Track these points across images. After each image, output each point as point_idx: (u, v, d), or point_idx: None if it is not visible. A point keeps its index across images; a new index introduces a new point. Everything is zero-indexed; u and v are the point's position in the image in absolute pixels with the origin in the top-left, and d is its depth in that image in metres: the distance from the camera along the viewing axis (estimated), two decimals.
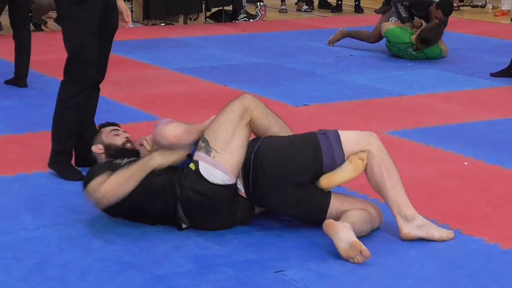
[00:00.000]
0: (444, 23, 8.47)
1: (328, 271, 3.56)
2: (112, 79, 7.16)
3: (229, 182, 3.81)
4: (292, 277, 3.50)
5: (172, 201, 3.85)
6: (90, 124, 4.75)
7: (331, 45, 9.16)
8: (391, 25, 8.48)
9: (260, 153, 3.84)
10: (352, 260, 3.62)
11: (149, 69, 7.76)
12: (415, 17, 8.56)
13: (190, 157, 3.89)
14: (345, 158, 3.82)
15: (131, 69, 7.74)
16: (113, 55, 8.28)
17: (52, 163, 4.67)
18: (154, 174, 3.85)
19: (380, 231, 3.94)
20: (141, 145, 4.10)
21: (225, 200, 3.84)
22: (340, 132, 3.89)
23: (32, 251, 3.71)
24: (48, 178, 4.63)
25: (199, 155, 3.83)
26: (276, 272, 3.54)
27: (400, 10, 8.58)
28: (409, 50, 8.35)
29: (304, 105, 6.41)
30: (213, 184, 3.79)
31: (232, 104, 3.86)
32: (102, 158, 4.15)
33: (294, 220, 4.07)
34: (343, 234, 3.64)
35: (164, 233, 3.90)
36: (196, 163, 3.82)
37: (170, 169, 3.88)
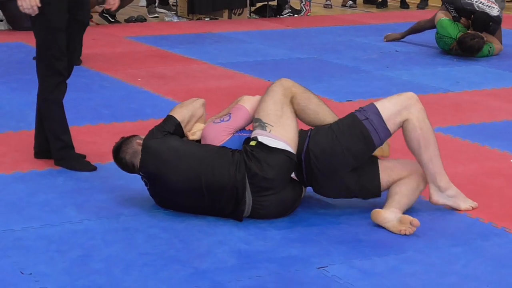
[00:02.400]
0: (497, 22, 8.29)
1: (372, 268, 3.55)
2: (157, 74, 7.23)
3: (290, 149, 3.92)
4: (335, 273, 3.49)
5: (241, 188, 3.89)
6: None
7: (386, 40, 9.10)
8: (444, 16, 8.33)
9: (311, 149, 3.96)
10: (404, 232, 3.84)
11: (193, 64, 7.78)
12: (461, 17, 8.42)
13: (247, 140, 4.00)
14: (391, 132, 4.00)
15: (176, 63, 7.78)
16: (158, 49, 8.54)
17: (58, 161, 4.73)
18: (216, 174, 3.88)
19: (423, 228, 3.92)
20: None
21: (290, 170, 3.95)
22: (378, 107, 4.00)
23: (76, 244, 3.74)
24: (92, 172, 4.66)
25: (256, 132, 3.97)
26: (319, 268, 3.54)
27: (449, 9, 8.48)
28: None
29: (348, 101, 6.38)
30: (275, 148, 3.90)
31: (273, 86, 4.05)
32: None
33: (338, 216, 4.07)
34: (390, 215, 3.90)
35: (207, 227, 3.92)
36: (256, 138, 3.94)
37: (228, 164, 3.90)
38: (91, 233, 3.85)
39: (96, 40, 8.52)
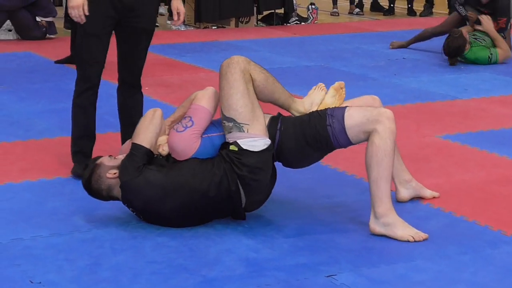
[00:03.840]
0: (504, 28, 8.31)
1: (380, 276, 3.55)
2: (164, 82, 7.24)
3: (269, 143, 3.94)
4: (344, 281, 3.49)
5: (237, 196, 3.91)
6: (129, 125, 4.73)
7: (392, 47, 9.12)
8: (465, 31, 8.21)
9: (282, 144, 3.99)
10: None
11: (200, 72, 7.79)
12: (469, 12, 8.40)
13: (224, 145, 3.95)
14: (353, 142, 3.96)
15: (183, 72, 7.79)
16: (165, 58, 8.55)
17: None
18: (210, 195, 3.89)
19: (432, 236, 3.92)
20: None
21: (272, 160, 3.99)
22: (346, 114, 3.93)
23: (84, 252, 3.75)
24: None
25: (234, 136, 3.92)
26: (327, 276, 3.54)
27: (459, 10, 8.48)
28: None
29: None
30: (259, 151, 3.89)
31: (230, 73, 3.93)
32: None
33: (346, 224, 4.07)
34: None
35: (215, 235, 3.92)
36: (236, 143, 3.90)
37: (213, 168, 3.89)
38: (100, 242, 3.86)
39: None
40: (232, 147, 3.91)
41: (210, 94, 4.07)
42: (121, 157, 4.04)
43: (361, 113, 3.93)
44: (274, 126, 4.02)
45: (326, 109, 4.03)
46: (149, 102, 6.45)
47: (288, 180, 4.53)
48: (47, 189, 4.54)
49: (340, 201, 4.41)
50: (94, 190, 4.01)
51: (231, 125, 3.93)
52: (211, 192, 3.89)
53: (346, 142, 3.96)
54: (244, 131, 3.91)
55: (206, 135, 4.01)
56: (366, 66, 8.17)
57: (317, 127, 3.97)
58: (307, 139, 3.97)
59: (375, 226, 3.92)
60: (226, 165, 3.89)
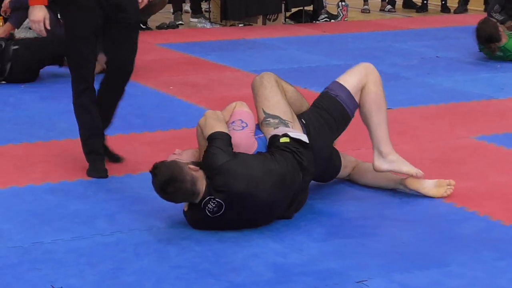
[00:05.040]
0: None
1: (413, 282, 3.51)
2: (189, 82, 7.25)
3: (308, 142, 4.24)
4: (375, 287, 3.47)
5: (300, 189, 4.12)
6: (106, 118, 4.86)
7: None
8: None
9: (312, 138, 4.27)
10: (446, 195, 4.37)
11: (227, 71, 7.80)
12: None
13: (273, 139, 4.16)
14: (357, 102, 4.44)
15: (209, 71, 7.80)
16: (190, 56, 8.57)
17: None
18: (291, 183, 4.06)
19: (466, 240, 3.90)
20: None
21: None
22: (342, 82, 4.44)
23: (107, 256, 3.76)
24: (124, 182, 4.69)
25: (282, 130, 4.18)
26: (358, 282, 3.51)
27: (496, 17, 8.50)
28: (496, 53, 8.18)
29: (388, 109, 6.32)
30: (308, 144, 4.18)
31: (267, 81, 4.34)
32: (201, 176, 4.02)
33: (375, 228, 4.06)
34: (427, 183, 4.42)
35: (241, 239, 3.92)
36: (286, 135, 4.15)
37: (294, 171, 4.06)
38: (123, 246, 3.87)
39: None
40: (283, 139, 4.13)
41: (246, 104, 4.36)
42: (188, 152, 4.22)
43: (351, 74, 4.47)
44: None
45: (320, 94, 4.48)
46: (174, 102, 6.53)
47: (314, 182, 4.54)
48: (68, 191, 4.57)
49: (369, 205, 4.40)
50: (177, 185, 3.89)
51: (276, 121, 4.20)
52: (293, 181, 4.06)
53: (354, 106, 4.42)
54: (289, 127, 4.19)
55: (257, 136, 4.25)
56: (398, 65, 8.13)
57: (330, 107, 4.37)
58: (328, 123, 4.35)
59: (381, 164, 4.44)
60: (290, 156, 4.09)
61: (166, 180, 3.90)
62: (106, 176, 4.73)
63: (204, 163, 4.01)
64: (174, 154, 4.17)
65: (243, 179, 3.93)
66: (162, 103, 6.50)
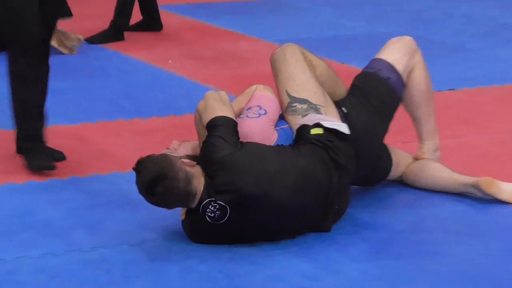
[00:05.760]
0: None
1: None
2: (193, 54, 7.26)
3: (349, 132, 4.26)
4: None
5: (335, 192, 4.11)
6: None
7: None
8: None
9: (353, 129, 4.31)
10: None
11: (242, 41, 7.79)
12: None
13: (303, 130, 4.17)
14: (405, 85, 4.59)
15: (219, 40, 7.81)
16: (195, 21, 8.52)
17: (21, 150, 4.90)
18: (317, 183, 4.07)
19: None
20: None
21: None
22: (390, 61, 4.54)
23: (87, 279, 3.75)
24: (110, 182, 4.70)
25: (312, 118, 4.18)
26: None
27: None
28: None
29: (450, 89, 6.35)
30: (348, 136, 4.20)
31: (291, 55, 4.37)
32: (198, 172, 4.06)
33: (439, 245, 4.06)
34: (506, 186, 4.45)
35: (260, 257, 3.92)
36: (319, 125, 4.16)
37: (324, 168, 4.08)
38: (107, 265, 3.86)
39: (113, 10, 8.53)
40: (315, 131, 4.16)
41: (271, 89, 4.38)
42: (187, 145, 4.20)
43: (397, 52, 4.59)
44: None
45: (364, 73, 4.56)
46: (174, 80, 6.55)
47: (355, 186, 4.55)
48: (38, 194, 4.57)
49: (427, 214, 4.40)
50: (166, 184, 3.91)
51: (305, 106, 4.22)
52: (319, 181, 4.06)
53: (403, 89, 4.56)
54: (322, 113, 4.20)
55: (278, 127, 4.28)
56: (464, 33, 8.12)
57: (380, 91, 4.45)
58: (377, 108, 4.41)
59: (431, 157, 4.65)
60: (321, 151, 4.11)
61: (153, 178, 3.91)
62: (54, 167, 4.79)
63: (202, 157, 4.03)
64: (168, 148, 4.14)
65: (251, 174, 3.96)
66: (158, 82, 6.53)
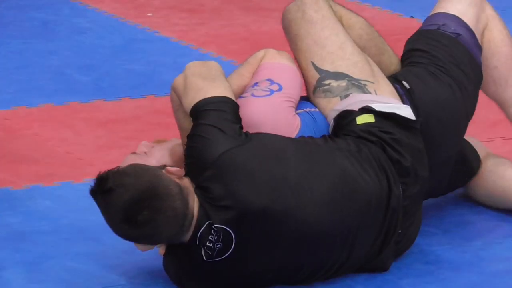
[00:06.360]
0: None
1: None
2: (185, 4, 7.29)
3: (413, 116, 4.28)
4: None
5: (398, 208, 4.09)
6: None
7: None
8: None
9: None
10: None
11: None
12: None
13: (344, 118, 4.17)
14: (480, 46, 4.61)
15: None
16: None
17: None
18: (367, 192, 4.06)
19: None
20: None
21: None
22: (458, 15, 4.54)
23: None
24: (57, 199, 4.69)
25: (356, 99, 4.19)
26: None
27: None
28: None
29: None
30: (413, 122, 4.19)
31: (314, 10, 4.33)
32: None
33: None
34: None
35: None
36: (369, 109, 4.14)
37: (375, 173, 4.08)
38: None
39: None
40: (362, 118, 4.15)
41: (287, 54, 4.36)
42: (163, 148, 4.20)
43: (463, 3, 4.57)
44: None
45: (422, 32, 4.58)
46: (155, 43, 6.59)
47: (435, 201, 4.57)
48: None
49: None
50: (157, 206, 3.86)
51: (344, 84, 4.22)
52: (365, 195, 4.05)
53: (479, 53, 4.54)
54: (370, 92, 4.20)
55: (302, 110, 4.24)
56: None
57: (452, 52, 4.44)
58: (456, 81, 4.39)
59: None
60: (376, 150, 4.11)
61: (137, 197, 3.83)
62: None
63: (188, 159, 3.98)
64: (135, 153, 4.11)
65: (263, 180, 3.96)
66: (132, 45, 6.59)
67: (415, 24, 6.30)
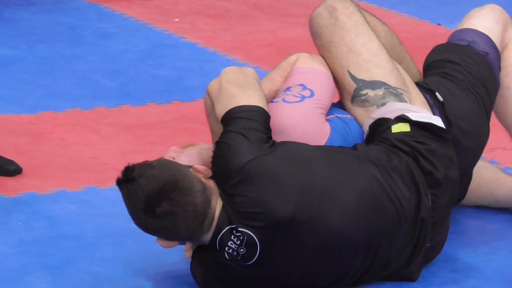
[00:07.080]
0: None
1: None
2: (212, 10, 7.28)
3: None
4: None
5: (427, 221, 4.08)
6: None
7: None
8: None
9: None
10: None
11: None
12: None
13: (379, 126, 4.19)
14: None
15: None
16: None
17: None
18: (396, 201, 4.07)
19: None
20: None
21: None
22: (486, 33, 4.56)
23: None
24: (81, 202, 4.69)
25: (392, 108, 4.19)
26: None
27: None
28: None
29: None
30: (447, 133, 4.20)
31: (346, 16, 4.34)
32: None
33: None
34: None
35: None
36: (405, 118, 4.14)
37: (404, 184, 4.07)
38: None
39: None
40: (398, 127, 4.16)
41: (320, 58, 4.37)
42: (191, 152, 4.22)
43: (490, 20, 4.60)
44: None
45: (452, 45, 4.60)
46: (181, 49, 6.58)
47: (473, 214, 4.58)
48: None
49: None
50: (177, 198, 3.90)
51: (381, 92, 4.23)
52: (395, 205, 4.05)
53: (499, 73, 4.56)
54: (406, 101, 4.21)
55: (333, 115, 4.28)
56: None
57: (481, 70, 4.47)
58: (482, 99, 4.43)
59: None
60: (408, 161, 4.11)
61: (158, 188, 3.87)
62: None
63: (215, 165, 3.97)
64: (163, 158, 4.11)
65: (290, 188, 3.94)
66: (158, 49, 6.57)
67: (442, 31, 6.29)
